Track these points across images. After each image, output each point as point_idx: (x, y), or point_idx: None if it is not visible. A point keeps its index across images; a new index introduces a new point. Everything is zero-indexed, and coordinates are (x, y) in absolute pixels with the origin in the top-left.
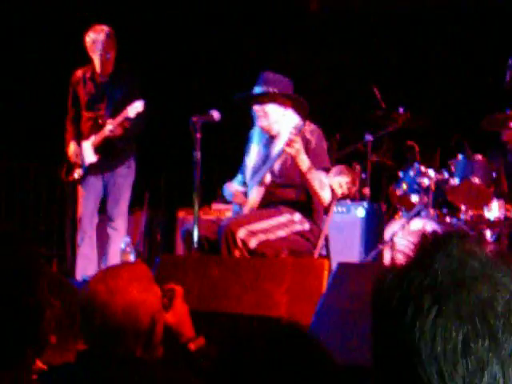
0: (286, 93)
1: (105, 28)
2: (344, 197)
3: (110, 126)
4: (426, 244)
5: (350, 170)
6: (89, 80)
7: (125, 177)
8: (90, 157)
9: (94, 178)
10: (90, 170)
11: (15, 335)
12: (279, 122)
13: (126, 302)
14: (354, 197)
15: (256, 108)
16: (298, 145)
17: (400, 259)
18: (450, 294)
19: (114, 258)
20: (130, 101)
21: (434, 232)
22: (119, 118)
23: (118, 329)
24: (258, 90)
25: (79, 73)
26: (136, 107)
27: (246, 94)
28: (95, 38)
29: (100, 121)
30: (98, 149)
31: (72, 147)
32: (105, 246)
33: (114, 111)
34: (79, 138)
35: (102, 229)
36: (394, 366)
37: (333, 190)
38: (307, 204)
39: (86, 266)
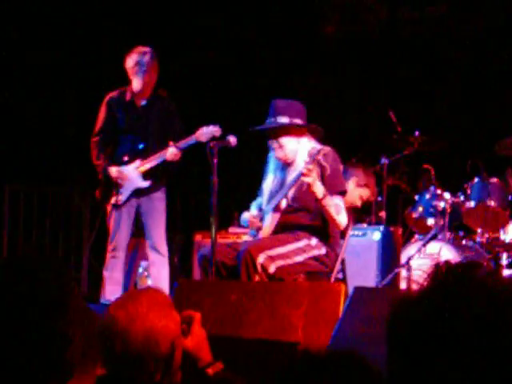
0: (298, 123)
1: (148, 49)
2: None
3: (173, 150)
4: (440, 274)
5: (368, 174)
6: (128, 102)
7: (160, 200)
8: (140, 182)
9: (129, 204)
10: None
11: (42, 362)
12: (294, 150)
13: (146, 328)
14: (370, 220)
15: (270, 142)
16: (315, 173)
17: (414, 287)
18: (463, 325)
19: (164, 283)
20: (170, 125)
21: (447, 262)
22: (187, 142)
23: (138, 354)
24: (270, 121)
25: (115, 95)
26: (211, 131)
27: (259, 129)
28: (139, 59)
29: (142, 145)
30: (147, 174)
31: (114, 171)
32: (151, 272)
33: (157, 134)
34: (113, 161)
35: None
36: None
37: (350, 213)
38: (323, 228)
39: (115, 291)
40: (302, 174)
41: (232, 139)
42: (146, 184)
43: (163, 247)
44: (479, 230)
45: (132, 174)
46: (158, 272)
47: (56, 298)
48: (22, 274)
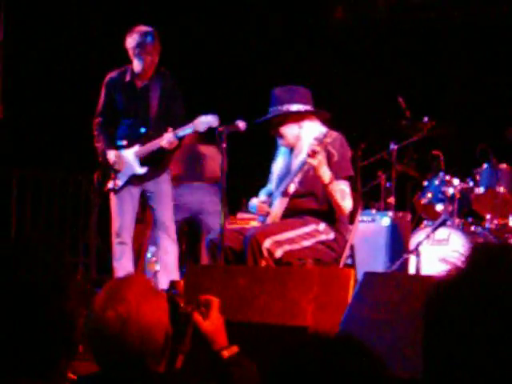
0: (290, 111)
1: (150, 30)
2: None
3: (170, 137)
4: (479, 256)
5: None
6: (127, 84)
7: (166, 182)
8: (137, 168)
9: (131, 187)
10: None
11: (49, 344)
12: (298, 136)
13: (141, 326)
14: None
15: (273, 132)
16: (321, 156)
17: (449, 270)
18: (503, 311)
19: (174, 270)
20: (171, 107)
21: (485, 243)
22: (184, 129)
23: (135, 354)
24: (270, 110)
25: (114, 75)
26: (208, 122)
27: (261, 122)
28: (141, 40)
29: (144, 129)
30: (144, 160)
31: (112, 155)
32: (160, 257)
33: (157, 118)
34: (113, 144)
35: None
36: (447, 376)
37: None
38: (332, 213)
39: None
40: (309, 156)
41: (241, 124)
42: (142, 170)
43: (172, 230)
44: (488, 216)
45: (130, 159)
46: (166, 256)
47: (56, 281)
48: (18, 257)
